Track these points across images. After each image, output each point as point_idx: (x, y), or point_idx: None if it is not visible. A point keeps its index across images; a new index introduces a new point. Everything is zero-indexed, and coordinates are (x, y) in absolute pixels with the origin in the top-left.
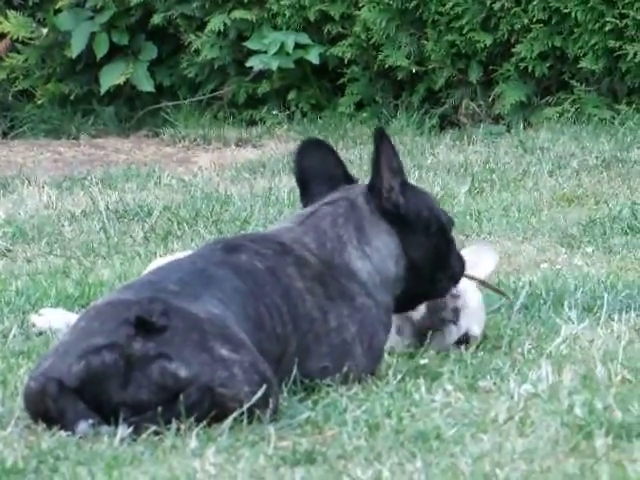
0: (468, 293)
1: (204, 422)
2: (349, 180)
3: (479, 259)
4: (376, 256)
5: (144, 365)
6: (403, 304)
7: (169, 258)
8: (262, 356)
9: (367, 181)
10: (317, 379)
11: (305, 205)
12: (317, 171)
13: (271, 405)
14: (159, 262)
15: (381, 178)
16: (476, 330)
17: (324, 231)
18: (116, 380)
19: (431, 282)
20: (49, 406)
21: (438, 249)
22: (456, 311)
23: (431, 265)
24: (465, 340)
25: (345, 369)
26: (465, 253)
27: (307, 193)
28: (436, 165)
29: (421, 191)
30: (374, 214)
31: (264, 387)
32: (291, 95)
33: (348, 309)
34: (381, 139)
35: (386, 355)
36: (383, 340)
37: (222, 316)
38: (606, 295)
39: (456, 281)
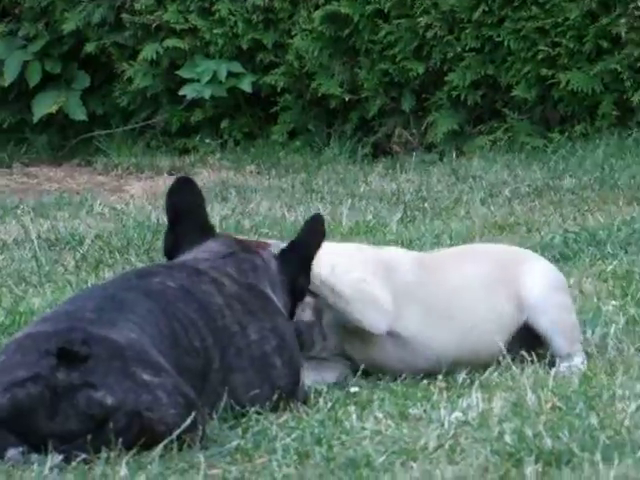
0: None
1: (134, 450)
2: (209, 228)
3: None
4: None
5: (70, 395)
6: None
7: None
8: (184, 372)
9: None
10: (245, 401)
11: (170, 243)
12: (186, 213)
13: (199, 430)
14: None
15: (306, 275)
16: None
17: (244, 269)
18: (43, 411)
19: None
20: None
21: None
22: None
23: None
24: None
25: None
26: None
27: (173, 232)
28: (368, 193)
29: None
30: (280, 277)
31: (193, 413)
32: (224, 123)
33: (270, 323)
34: (322, 237)
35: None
36: (300, 358)
37: (140, 340)
38: None
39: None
